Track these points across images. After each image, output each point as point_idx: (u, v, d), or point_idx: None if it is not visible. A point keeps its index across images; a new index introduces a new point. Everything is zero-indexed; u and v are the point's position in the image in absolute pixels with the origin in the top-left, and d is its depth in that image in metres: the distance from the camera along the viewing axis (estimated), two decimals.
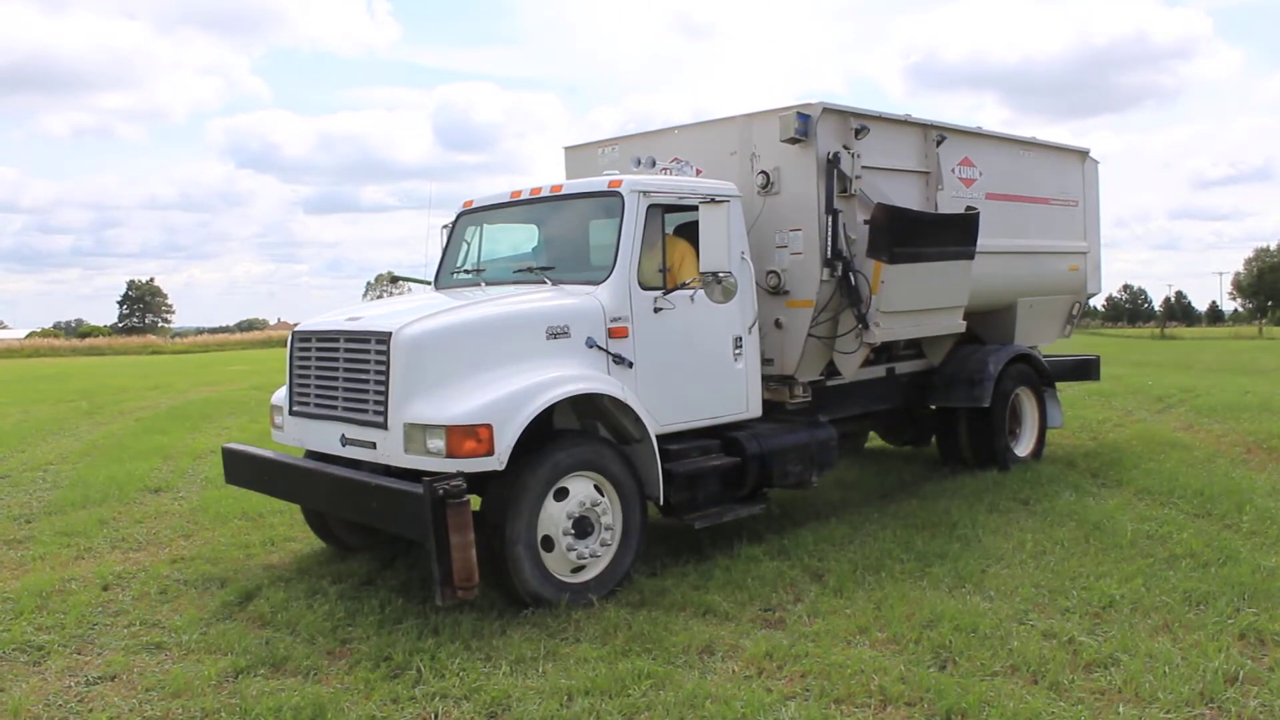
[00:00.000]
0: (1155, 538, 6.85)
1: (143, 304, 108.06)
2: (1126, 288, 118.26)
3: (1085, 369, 11.11)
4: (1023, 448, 9.79)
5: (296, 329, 6.67)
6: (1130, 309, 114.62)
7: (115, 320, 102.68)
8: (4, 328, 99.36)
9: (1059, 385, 10.42)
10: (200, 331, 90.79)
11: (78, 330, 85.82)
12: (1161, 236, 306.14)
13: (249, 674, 4.86)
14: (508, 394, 5.61)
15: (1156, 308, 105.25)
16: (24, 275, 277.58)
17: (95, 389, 23.48)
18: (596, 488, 5.97)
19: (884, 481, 9.33)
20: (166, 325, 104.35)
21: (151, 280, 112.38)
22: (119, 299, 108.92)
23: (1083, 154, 10.61)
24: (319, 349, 6.36)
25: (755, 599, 5.82)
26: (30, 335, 71.24)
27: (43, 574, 6.74)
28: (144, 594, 6.29)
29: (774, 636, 5.20)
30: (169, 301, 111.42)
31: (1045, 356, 10.34)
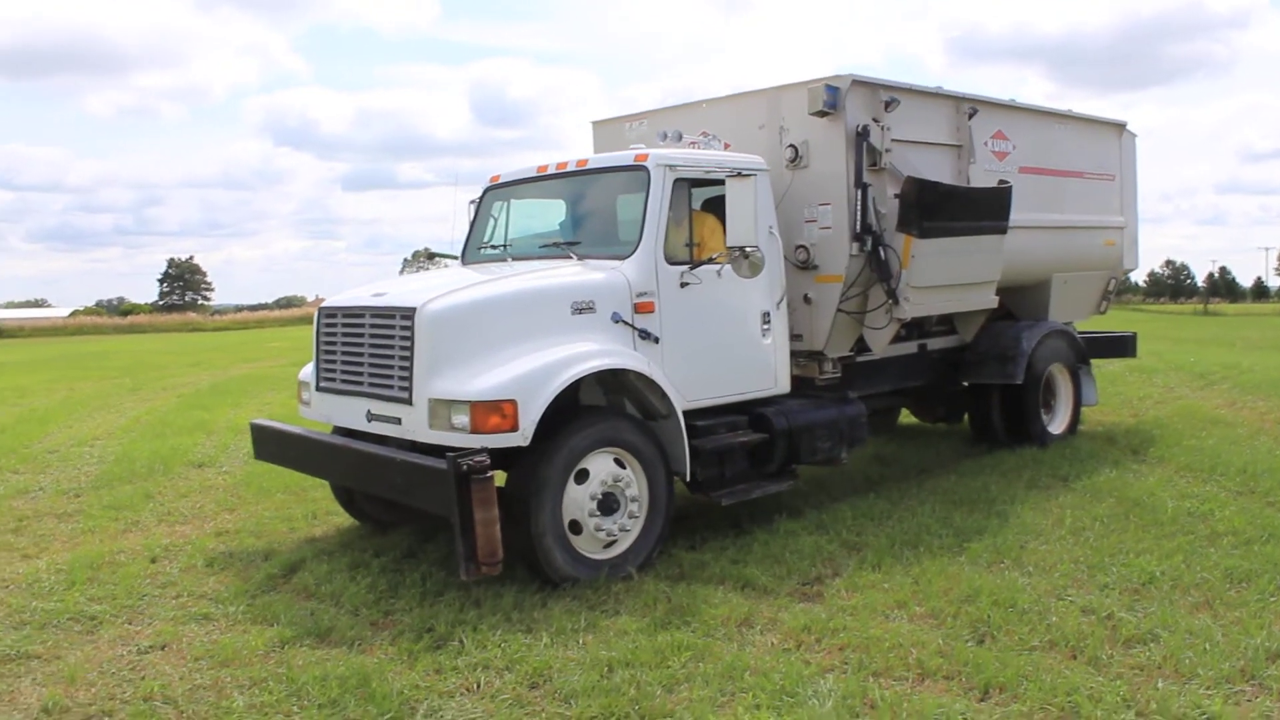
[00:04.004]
0: (1196, 515, 6.79)
1: (183, 282, 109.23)
2: (1169, 263, 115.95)
3: (1121, 346, 11.00)
4: (1056, 425, 9.70)
5: (323, 305, 6.73)
6: (1173, 285, 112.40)
7: (156, 298, 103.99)
8: (48, 306, 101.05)
9: (1094, 362, 10.31)
10: (239, 309, 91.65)
11: (120, 308, 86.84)
12: (1207, 211, 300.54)
13: (295, 644, 4.96)
14: (532, 370, 5.60)
15: (1200, 283, 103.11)
16: (67, 254, 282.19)
17: (137, 366, 23.90)
18: (617, 461, 5.93)
19: (922, 457, 9.31)
20: (206, 303, 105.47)
21: (191, 258, 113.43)
22: (159, 277, 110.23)
23: (1120, 127, 10.43)
24: (345, 325, 6.40)
25: (794, 573, 5.85)
26: (74, 314, 72.41)
27: (93, 546, 6.92)
28: (191, 566, 6.43)
29: (812, 610, 5.23)
30: (208, 279, 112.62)
31: (1080, 333, 10.23)
